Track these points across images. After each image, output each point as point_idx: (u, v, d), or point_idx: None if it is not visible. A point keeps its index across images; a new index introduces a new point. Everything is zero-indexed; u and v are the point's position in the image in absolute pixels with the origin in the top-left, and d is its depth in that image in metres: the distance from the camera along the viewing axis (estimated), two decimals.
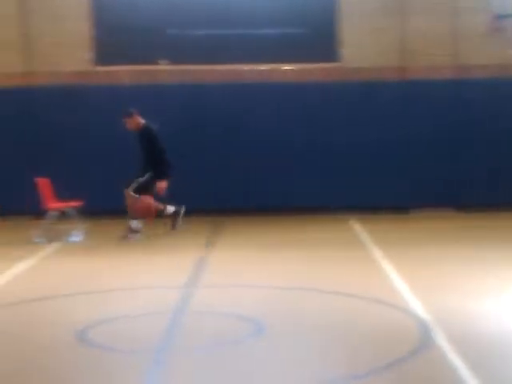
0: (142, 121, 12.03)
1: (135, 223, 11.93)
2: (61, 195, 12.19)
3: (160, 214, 12.16)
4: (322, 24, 14.61)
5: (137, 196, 11.86)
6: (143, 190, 11.87)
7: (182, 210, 12.27)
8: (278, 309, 7.61)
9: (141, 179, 11.87)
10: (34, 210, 13.27)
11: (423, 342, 6.36)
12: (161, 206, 12.13)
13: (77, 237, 12.03)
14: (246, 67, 14.53)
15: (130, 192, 11.87)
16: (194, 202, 13.78)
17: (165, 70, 14.42)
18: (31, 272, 9.71)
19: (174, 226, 12.31)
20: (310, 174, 14.36)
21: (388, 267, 9.45)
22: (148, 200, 11.87)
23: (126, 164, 13.71)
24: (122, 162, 13.95)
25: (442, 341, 6.31)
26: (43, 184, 12.05)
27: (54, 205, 12.05)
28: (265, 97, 14.27)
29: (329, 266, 9.75)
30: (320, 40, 14.60)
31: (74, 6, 14.27)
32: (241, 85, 14.30)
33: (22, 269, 9.82)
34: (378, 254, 10.40)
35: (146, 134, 11.90)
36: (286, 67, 14.61)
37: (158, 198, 12.01)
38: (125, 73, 14.38)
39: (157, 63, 14.37)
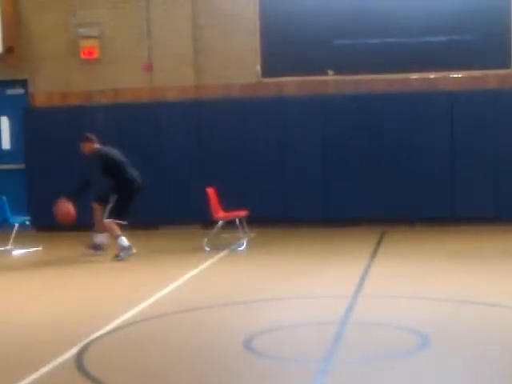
0: (96, 146, 11.93)
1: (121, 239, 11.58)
2: (226, 205, 12.42)
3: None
4: (494, 29, 14.16)
5: (115, 221, 11.63)
6: (118, 212, 11.63)
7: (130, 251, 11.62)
8: (447, 321, 7.41)
9: (110, 206, 11.64)
10: (200, 219, 13.71)
11: None
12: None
13: (243, 246, 12.20)
14: (413, 75, 14.31)
15: (107, 222, 11.64)
16: (361, 210, 13.74)
17: (332, 81, 14.43)
18: (200, 280, 9.93)
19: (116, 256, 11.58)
20: (484, 185, 13.90)
21: None
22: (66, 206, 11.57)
23: (287, 174, 13.84)
24: (290, 172, 14.12)
25: None
26: (212, 194, 12.32)
27: (222, 214, 12.29)
28: (433, 105, 13.97)
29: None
30: (492, 46, 14.16)
31: (243, 21, 14.54)
32: (408, 94, 14.08)
33: (191, 277, 10.07)
34: None
35: (98, 159, 11.76)
36: (455, 75, 14.27)
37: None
38: (292, 84, 14.50)
39: (325, 74, 14.40)
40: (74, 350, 6.72)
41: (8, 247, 12.34)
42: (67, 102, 14.80)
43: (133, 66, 14.67)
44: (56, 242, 13.34)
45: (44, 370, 6.23)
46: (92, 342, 7.04)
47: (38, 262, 11.73)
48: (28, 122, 14.64)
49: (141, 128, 14.41)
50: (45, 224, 13.88)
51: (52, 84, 14.87)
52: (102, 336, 7.26)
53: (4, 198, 12.53)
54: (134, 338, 7.35)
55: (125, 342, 7.19)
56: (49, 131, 14.53)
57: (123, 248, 11.52)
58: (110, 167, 11.72)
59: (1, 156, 15.01)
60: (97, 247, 11.94)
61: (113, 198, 11.64)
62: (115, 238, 11.62)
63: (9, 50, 14.38)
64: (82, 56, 14.73)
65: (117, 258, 11.45)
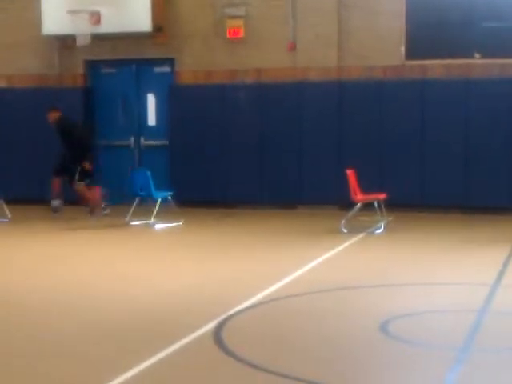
0: (57, 114, 13.80)
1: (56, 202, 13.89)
2: (364, 187, 12.37)
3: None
4: None
5: (82, 183, 13.64)
6: (83, 175, 13.62)
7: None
8: None
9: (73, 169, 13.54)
10: (337, 201, 13.73)
11: None
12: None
13: (380, 229, 12.14)
14: None
15: (77, 185, 13.63)
16: (504, 197, 13.42)
17: (478, 64, 14.08)
18: (336, 261, 9.97)
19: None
20: None
21: None
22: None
23: (426, 158, 13.63)
24: (429, 157, 13.91)
25: None
26: (351, 175, 12.29)
27: (361, 196, 12.26)
28: None
29: None
30: None
31: (389, 2, 14.36)
32: None
33: (328, 258, 10.11)
34: None
35: (61, 126, 13.66)
36: None
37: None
38: (436, 67, 14.24)
39: (471, 57, 14.06)
40: (212, 324, 6.90)
41: (151, 221, 12.73)
42: (211, 81, 15.07)
43: (277, 47, 14.76)
44: (197, 216, 13.65)
45: (183, 341, 6.43)
46: (230, 316, 7.20)
47: (179, 236, 12.06)
48: (173, 99, 15.01)
49: (283, 108, 14.52)
50: (186, 199, 14.23)
51: (197, 62, 15.16)
52: (240, 311, 7.41)
53: (148, 173, 12.92)
54: (271, 314, 7.47)
55: (262, 319, 7.31)
56: (193, 109, 14.85)
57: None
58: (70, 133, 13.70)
59: (146, 132, 15.45)
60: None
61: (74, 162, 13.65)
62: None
63: (158, 29, 14.76)
64: (228, 35, 14.94)
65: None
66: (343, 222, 12.14)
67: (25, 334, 6.84)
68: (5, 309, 7.75)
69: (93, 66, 15.68)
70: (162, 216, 12.80)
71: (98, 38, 14.72)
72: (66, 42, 15.19)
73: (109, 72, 15.73)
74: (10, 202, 13.47)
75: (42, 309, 7.73)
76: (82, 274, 9.32)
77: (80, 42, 14.64)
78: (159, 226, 12.69)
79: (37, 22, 14.98)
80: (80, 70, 15.58)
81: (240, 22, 14.92)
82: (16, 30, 15.49)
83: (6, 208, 13.20)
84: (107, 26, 14.61)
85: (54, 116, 13.91)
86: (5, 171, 14.79)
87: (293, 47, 14.68)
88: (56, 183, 13.91)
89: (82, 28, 14.58)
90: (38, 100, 15.21)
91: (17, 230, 12.57)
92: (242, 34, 14.93)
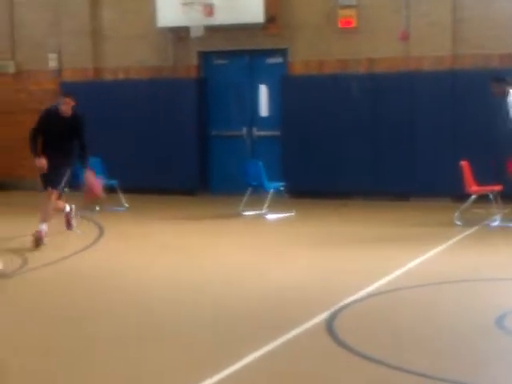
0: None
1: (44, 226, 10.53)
2: (479, 179, 12.11)
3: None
4: None
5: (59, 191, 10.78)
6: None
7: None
8: None
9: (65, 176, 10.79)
10: (449, 192, 13.52)
11: None
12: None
13: (496, 222, 11.88)
14: None
15: (54, 194, 10.70)
16: None
17: None
18: (450, 254, 9.83)
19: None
20: None
21: None
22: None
23: None
24: None
25: None
26: (465, 167, 12.08)
27: (475, 188, 12.02)
28: None
29: None
30: None
31: None
32: None
33: (441, 250, 9.98)
34: None
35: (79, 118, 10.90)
36: None
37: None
38: None
39: None
40: (324, 315, 6.93)
41: (263, 211, 12.84)
42: (323, 71, 15.06)
43: (389, 36, 14.61)
44: (309, 207, 13.68)
45: (295, 332, 6.49)
46: (342, 307, 7.22)
47: (291, 227, 12.12)
48: (286, 90, 15.07)
49: (395, 98, 14.38)
50: (298, 190, 14.29)
51: (309, 53, 15.16)
52: (352, 303, 7.42)
53: (260, 163, 13.03)
54: (383, 306, 7.46)
55: (374, 311, 7.30)
56: (305, 99, 14.88)
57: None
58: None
59: (259, 123, 15.57)
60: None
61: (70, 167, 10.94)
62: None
63: (270, 19, 14.84)
64: (340, 25, 14.89)
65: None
66: (457, 214, 11.93)
67: (141, 320, 7.04)
68: (126, 295, 8.00)
69: (206, 57, 15.89)
70: (274, 206, 12.88)
71: (211, 30, 14.91)
72: (180, 34, 15.45)
73: (222, 63, 15.92)
74: (128, 191, 13.80)
75: (159, 296, 7.94)
76: (198, 262, 9.50)
77: (194, 33, 14.87)
78: (271, 217, 12.79)
79: (152, 15, 15.29)
80: (194, 61, 15.82)
81: (352, 12, 14.83)
82: (132, 22, 15.85)
83: (122, 197, 13.55)
84: (220, 18, 14.78)
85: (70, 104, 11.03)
86: (122, 160, 15.15)
87: (405, 36, 14.51)
88: None
89: (195, 20, 14.80)
90: (154, 91, 15.56)
91: (133, 218, 12.88)
92: (354, 23, 14.85)
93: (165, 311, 7.37)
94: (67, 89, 15.99)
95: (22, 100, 16.65)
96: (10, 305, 7.78)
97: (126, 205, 13.52)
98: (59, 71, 16.34)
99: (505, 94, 11.69)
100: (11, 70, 16.62)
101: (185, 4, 14.77)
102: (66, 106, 10.79)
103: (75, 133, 10.78)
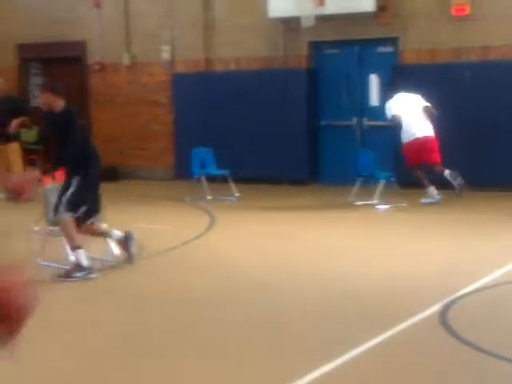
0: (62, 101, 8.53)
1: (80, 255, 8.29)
2: None
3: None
4: None
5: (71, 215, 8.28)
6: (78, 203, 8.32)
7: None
8: None
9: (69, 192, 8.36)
10: None
11: None
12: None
13: None
14: None
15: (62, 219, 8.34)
16: None
17: None
18: None
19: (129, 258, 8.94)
20: None
21: None
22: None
23: None
24: None
25: None
26: None
27: None
28: None
29: None
30: None
31: None
32: None
33: None
34: None
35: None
36: None
37: None
38: None
39: None
40: (436, 307, 6.87)
41: (373, 201, 12.77)
42: (435, 60, 14.83)
43: (504, 23, 14.26)
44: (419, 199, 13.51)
45: (408, 323, 6.47)
46: (455, 300, 7.13)
47: (401, 218, 12.02)
48: (396, 79, 14.91)
49: (511, 87, 14.04)
50: (409, 181, 14.13)
51: (421, 41, 14.96)
52: (465, 295, 7.32)
53: (371, 153, 12.95)
54: (498, 299, 7.33)
55: (489, 303, 7.20)
56: (416, 89, 14.66)
57: (80, 267, 8.29)
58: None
59: (369, 113, 15.47)
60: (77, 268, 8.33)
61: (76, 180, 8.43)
62: (71, 247, 8.40)
63: (382, 8, 14.72)
64: (453, 13, 14.63)
65: (65, 276, 8.29)
66: None
67: (256, 308, 7.14)
68: (242, 283, 8.12)
69: (317, 47, 15.89)
70: (385, 197, 12.80)
71: (321, 20, 14.89)
72: (290, 24, 15.49)
73: (332, 53, 15.88)
74: (238, 181, 13.93)
75: (273, 283, 8.03)
76: (308, 251, 9.55)
77: (304, 23, 14.89)
78: (382, 207, 12.71)
79: (263, 6, 15.39)
80: (304, 51, 15.85)
81: None
82: (244, 14, 15.98)
83: (233, 187, 13.70)
84: (331, 7, 14.73)
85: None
86: (233, 151, 15.33)
87: None
88: None
89: (306, 10, 14.81)
90: (264, 82, 15.67)
91: (244, 208, 12.99)
92: (467, 10, 14.56)
93: (279, 299, 7.45)
94: (179, 80, 16.39)
95: (136, 91, 17.03)
96: (129, 292, 8.01)
97: (237, 194, 13.68)
98: (172, 63, 16.64)
99: None
100: (126, 61, 17.01)
101: None
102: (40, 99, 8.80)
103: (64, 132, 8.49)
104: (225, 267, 8.77)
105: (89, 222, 8.60)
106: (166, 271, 8.80)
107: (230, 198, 13.64)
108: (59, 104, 8.47)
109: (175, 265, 9.08)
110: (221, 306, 7.26)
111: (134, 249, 8.92)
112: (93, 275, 8.37)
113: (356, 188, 12.98)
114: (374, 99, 15.41)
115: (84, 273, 8.31)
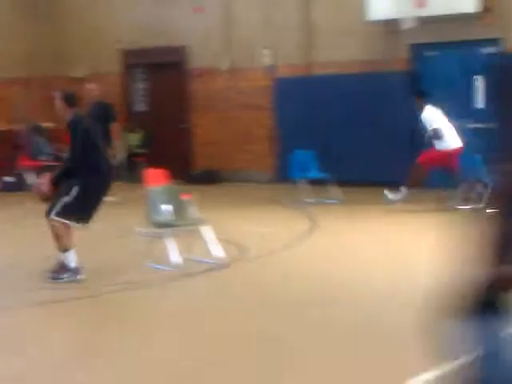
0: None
1: (69, 257, 8.53)
2: None
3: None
4: None
5: (63, 221, 8.44)
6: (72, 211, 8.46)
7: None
8: None
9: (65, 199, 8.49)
10: None
11: None
12: None
13: None
14: None
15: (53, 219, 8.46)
16: None
17: None
18: None
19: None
20: None
21: None
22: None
23: None
24: None
25: None
26: None
27: None
28: None
29: None
30: None
31: None
32: None
33: None
34: None
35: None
36: None
37: None
38: None
39: None
40: None
41: (479, 205, 12.47)
42: None
43: None
44: None
45: None
46: None
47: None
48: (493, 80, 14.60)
49: None
50: None
51: None
52: None
53: (477, 156, 12.68)
54: None
55: None
56: None
57: (66, 268, 8.53)
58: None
59: (473, 115, 15.19)
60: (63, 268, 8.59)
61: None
62: (59, 248, 8.55)
63: (485, 9, 14.45)
64: None
65: (53, 277, 8.56)
66: None
67: (355, 312, 7.11)
68: (343, 287, 8.10)
69: (417, 49, 15.72)
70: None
71: (422, 21, 14.72)
72: (390, 27, 15.37)
73: (433, 55, 15.68)
74: (340, 184, 13.86)
75: (375, 290, 7.98)
76: (415, 259, 9.40)
77: (405, 25, 14.76)
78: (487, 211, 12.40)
79: (362, 9, 15.31)
80: (404, 54, 15.70)
81: None
82: (343, 17, 15.94)
83: (335, 190, 13.64)
84: (432, 9, 14.56)
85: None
86: (334, 154, 15.29)
87: None
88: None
89: (406, 12, 14.67)
90: (364, 85, 15.59)
91: (346, 211, 12.95)
92: None
93: (381, 308, 7.37)
94: (280, 84, 16.47)
95: (236, 96, 17.20)
96: (231, 294, 8.09)
97: (338, 197, 13.64)
98: (272, 67, 16.72)
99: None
100: (226, 66, 17.18)
101: None
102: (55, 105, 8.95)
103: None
104: (326, 270, 8.76)
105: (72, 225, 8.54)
106: (268, 273, 8.85)
107: (331, 201, 13.61)
108: (68, 114, 8.75)
109: (273, 268, 9.11)
110: (319, 308, 7.26)
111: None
112: (79, 276, 8.47)
113: (460, 192, 12.74)
114: (478, 101, 15.14)
115: (70, 274, 8.45)
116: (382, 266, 8.88)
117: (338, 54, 16.07)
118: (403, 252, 9.62)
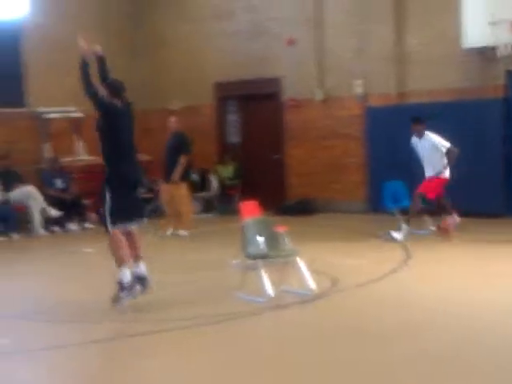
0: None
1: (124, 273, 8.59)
2: None
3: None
4: None
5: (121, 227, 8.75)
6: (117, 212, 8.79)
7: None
8: None
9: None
10: None
11: None
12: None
13: None
14: None
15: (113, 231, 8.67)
16: None
17: None
18: None
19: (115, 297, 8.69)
20: None
21: None
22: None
23: None
24: None
25: None
26: None
27: None
28: None
29: None
30: None
31: None
32: None
33: None
34: None
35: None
36: None
37: None
38: None
39: None
40: None
41: None
42: None
43: None
44: None
45: None
46: None
47: None
48: None
49: None
50: None
51: None
52: None
53: None
54: None
55: None
56: None
57: (121, 285, 8.62)
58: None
59: None
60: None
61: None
62: (116, 263, 8.74)
63: None
64: None
65: (114, 301, 8.65)
66: None
67: (444, 344, 6.99)
68: (435, 319, 7.99)
69: None
70: None
71: None
72: (486, 54, 15.16)
73: None
74: (431, 213, 13.66)
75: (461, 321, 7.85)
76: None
77: (501, 52, 14.54)
78: None
79: (457, 36, 15.16)
80: (501, 80, 15.43)
81: None
82: (437, 45, 15.80)
83: (429, 220, 13.48)
84: None
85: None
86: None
87: None
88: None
89: (502, 38, 14.46)
90: (459, 112, 15.36)
91: (439, 241, 12.77)
92: None
93: (463, 337, 7.25)
94: (372, 113, 16.41)
95: (329, 126, 17.22)
96: (320, 325, 8.07)
97: (432, 228, 13.44)
98: (364, 96, 16.69)
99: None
100: (319, 96, 17.24)
101: (492, 23, 14.49)
102: None
103: None
104: (419, 304, 8.64)
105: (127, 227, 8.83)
106: (357, 305, 8.79)
107: (425, 231, 13.43)
108: None
109: (364, 300, 9.04)
110: (407, 341, 7.17)
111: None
112: (137, 290, 8.62)
113: None
114: None
115: (126, 291, 8.55)
116: (481, 300, 8.71)
117: (432, 82, 15.92)
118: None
